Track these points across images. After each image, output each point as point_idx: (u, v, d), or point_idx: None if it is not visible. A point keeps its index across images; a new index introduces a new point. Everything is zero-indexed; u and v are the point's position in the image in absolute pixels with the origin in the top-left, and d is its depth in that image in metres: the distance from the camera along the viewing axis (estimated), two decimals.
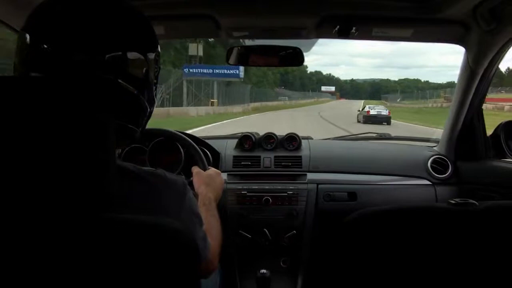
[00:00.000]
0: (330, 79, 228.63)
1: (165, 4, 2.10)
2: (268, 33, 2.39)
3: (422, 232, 1.24)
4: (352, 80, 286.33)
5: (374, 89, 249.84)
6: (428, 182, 2.72)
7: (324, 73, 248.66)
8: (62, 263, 0.86)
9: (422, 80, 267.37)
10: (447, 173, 2.70)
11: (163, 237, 0.95)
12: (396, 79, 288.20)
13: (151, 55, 1.16)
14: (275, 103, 65.14)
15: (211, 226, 1.50)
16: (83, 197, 0.87)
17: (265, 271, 2.44)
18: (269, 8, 2.13)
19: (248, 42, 2.52)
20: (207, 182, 1.82)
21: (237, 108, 41.83)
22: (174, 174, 1.24)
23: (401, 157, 2.92)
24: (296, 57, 2.43)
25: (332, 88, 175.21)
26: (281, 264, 2.74)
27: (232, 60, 2.46)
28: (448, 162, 2.72)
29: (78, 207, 0.88)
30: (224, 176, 2.56)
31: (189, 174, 1.96)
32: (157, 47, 1.20)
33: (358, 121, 33.50)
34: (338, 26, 2.16)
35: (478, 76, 2.36)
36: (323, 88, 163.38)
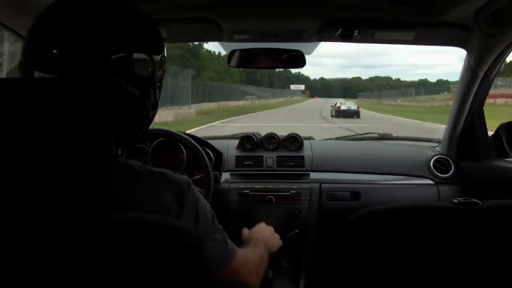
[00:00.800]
0: (299, 78, 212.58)
1: (167, 8, 2.10)
2: (270, 36, 2.39)
3: (425, 231, 1.25)
4: (322, 78, 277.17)
5: (346, 87, 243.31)
6: (431, 182, 2.73)
7: (293, 71, 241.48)
8: (65, 263, 0.86)
9: (393, 78, 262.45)
10: (450, 173, 2.71)
11: (164, 235, 0.95)
12: (367, 77, 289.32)
13: (157, 57, 1.17)
14: (240, 102, 52.82)
15: (250, 256, 1.41)
16: (84, 196, 0.88)
17: (267, 271, 2.44)
18: (271, 12, 2.13)
19: (250, 45, 2.51)
20: (267, 237, 1.76)
21: (163, 115, 22.49)
22: (178, 174, 1.23)
23: (404, 156, 2.93)
24: (298, 60, 2.44)
25: (302, 87, 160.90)
26: (283, 264, 2.74)
27: (233, 62, 2.46)
28: (451, 161, 2.73)
29: (80, 206, 0.88)
30: (226, 175, 2.64)
31: (191, 174, 1.95)
32: (163, 50, 1.21)
33: (332, 116, 37.65)
34: (340, 30, 2.16)
35: (479, 78, 2.37)
36: (292, 86, 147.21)
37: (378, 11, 2.11)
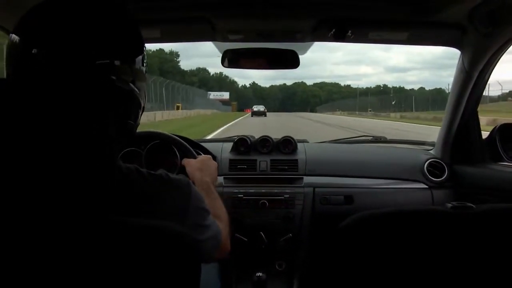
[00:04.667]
0: (221, 81, 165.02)
1: (160, 7, 2.10)
2: (264, 36, 2.39)
3: (419, 235, 1.24)
4: (254, 84, 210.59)
5: (287, 96, 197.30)
6: (425, 186, 2.72)
7: (212, 72, 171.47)
8: (65, 265, 0.87)
9: (342, 84, 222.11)
10: (443, 177, 2.70)
11: (163, 240, 0.95)
12: (310, 83, 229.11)
13: (139, 58, 1.17)
14: None
15: (216, 209, 1.52)
16: (84, 198, 0.88)
17: (261, 274, 2.50)
18: (265, 11, 2.12)
19: (244, 45, 2.53)
20: (200, 167, 1.82)
21: None
22: (176, 175, 1.25)
23: (398, 160, 2.93)
24: (291, 60, 2.46)
25: (225, 95, 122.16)
26: (277, 267, 2.74)
27: (227, 63, 2.47)
28: (444, 165, 2.73)
29: (80, 210, 0.89)
30: (220, 179, 2.60)
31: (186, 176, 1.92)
32: (144, 49, 1.21)
33: (251, 116, 58.46)
34: (333, 30, 2.16)
35: (473, 79, 2.37)
36: (212, 94, 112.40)
37: (372, 11, 2.11)
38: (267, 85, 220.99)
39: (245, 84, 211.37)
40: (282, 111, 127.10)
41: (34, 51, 0.99)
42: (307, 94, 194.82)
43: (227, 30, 2.30)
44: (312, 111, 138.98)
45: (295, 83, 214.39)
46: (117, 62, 1.08)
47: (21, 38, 1.02)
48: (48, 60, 0.99)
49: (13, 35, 1.04)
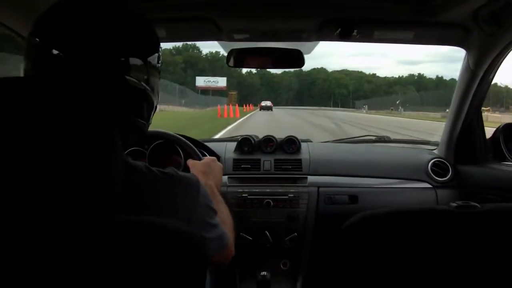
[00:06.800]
0: (216, 63, 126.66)
1: (166, 7, 2.11)
2: (269, 35, 2.40)
3: (424, 234, 1.24)
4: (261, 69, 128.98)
5: (304, 85, 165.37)
6: (429, 185, 2.72)
7: (206, 51, 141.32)
8: (65, 263, 0.86)
9: (367, 73, 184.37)
10: (448, 176, 2.71)
11: (170, 238, 0.95)
12: (330, 70, 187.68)
13: (153, 56, 1.18)
14: None
15: (220, 213, 1.50)
16: (87, 196, 0.88)
17: (265, 273, 2.49)
18: (270, 11, 2.14)
19: (249, 44, 2.54)
20: (204, 170, 1.79)
21: None
22: (185, 173, 1.26)
23: (402, 160, 2.93)
24: (297, 59, 2.46)
25: (221, 81, 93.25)
26: (281, 266, 2.75)
27: (232, 62, 2.48)
28: (448, 165, 2.73)
29: (83, 206, 0.88)
30: (224, 179, 2.61)
31: None
32: (159, 48, 1.22)
33: (260, 110, 63.52)
34: (339, 29, 2.16)
35: (478, 78, 2.37)
36: (202, 80, 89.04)
37: (377, 11, 2.12)
38: (279, 71, 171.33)
39: (250, 70, 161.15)
40: (299, 106, 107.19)
41: (53, 52, 1.02)
42: (330, 83, 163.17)
43: (232, 30, 2.31)
44: (336, 104, 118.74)
45: (314, 69, 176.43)
46: (132, 60, 1.10)
47: (40, 39, 1.05)
48: (67, 60, 1.02)
49: (32, 37, 1.06)
